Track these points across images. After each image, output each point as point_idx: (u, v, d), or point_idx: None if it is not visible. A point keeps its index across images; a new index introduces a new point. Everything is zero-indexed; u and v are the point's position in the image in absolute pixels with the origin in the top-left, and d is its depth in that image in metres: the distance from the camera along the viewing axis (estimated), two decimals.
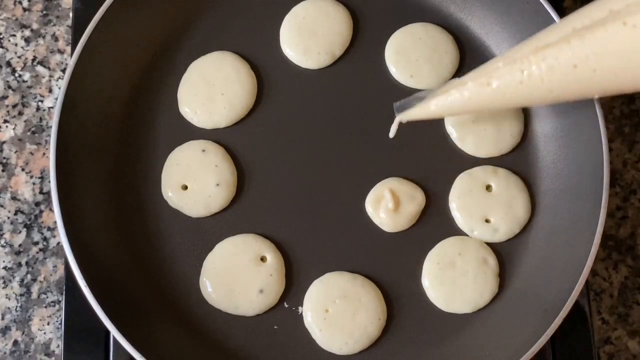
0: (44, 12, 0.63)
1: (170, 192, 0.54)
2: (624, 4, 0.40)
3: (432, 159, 0.55)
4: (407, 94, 0.56)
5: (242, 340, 0.52)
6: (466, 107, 0.47)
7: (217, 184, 0.54)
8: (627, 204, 0.60)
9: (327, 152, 0.55)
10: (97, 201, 0.53)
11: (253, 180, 0.55)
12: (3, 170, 0.59)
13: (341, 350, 0.51)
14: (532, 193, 0.55)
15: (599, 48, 0.40)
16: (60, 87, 0.58)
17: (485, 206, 0.54)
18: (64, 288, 0.55)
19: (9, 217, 0.59)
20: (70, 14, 0.61)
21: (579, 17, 0.42)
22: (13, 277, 0.58)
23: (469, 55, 0.57)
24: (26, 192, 0.59)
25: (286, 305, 0.53)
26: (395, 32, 0.57)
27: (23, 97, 0.61)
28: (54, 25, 0.62)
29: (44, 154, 0.60)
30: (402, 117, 0.50)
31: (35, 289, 0.57)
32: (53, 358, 0.56)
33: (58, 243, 0.58)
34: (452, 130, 0.56)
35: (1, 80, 0.61)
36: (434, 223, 0.54)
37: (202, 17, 0.57)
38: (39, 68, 0.62)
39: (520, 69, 0.44)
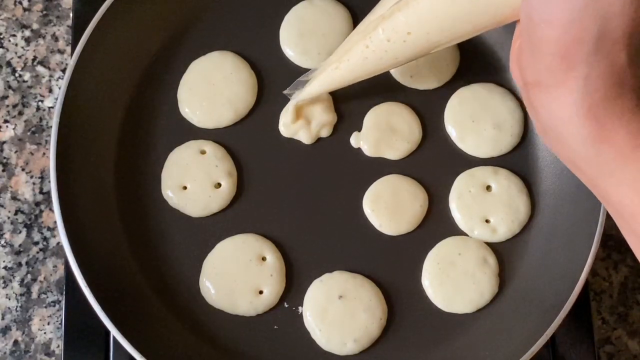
0: (44, 12, 0.63)
1: (170, 192, 0.54)
2: None
3: (432, 159, 0.55)
4: (409, 94, 0.56)
5: (242, 340, 0.52)
6: (343, 81, 0.51)
7: (217, 184, 0.54)
8: None
9: (327, 151, 0.55)
10: (97, 201, 0.53)
11: (253, 180, 0.55)
12: (3, 170, 0.59)
13: (341, 350, 0.51)
14: (532, 193, 0.55)
15: (423, 12, 0.43)
16: (60, 87, 0.58)
17: (485, 206, 0.54)
18: (64, 288, 0.55)
19: (9, 217, 0.59)
20: (70, 14, 0.61)
21: None
22: (13, 277, 0.58)
23: (469, 55, 0.57)
24: (26, 192, 0.59)
25: (286, 305, 0.53)
26: None
27: (23, 97, 0.61)
28: (54, 25, 0.62)
29: (44, 154, 0.60)
30: (296, 101, 0.53)
31: (35, 289, 0.57)
32: (53, 358, 0.56)
33: (58, 243, 0.58)
34: (452, 130, 0.56)
35: (1, 80, 0.61)
36: (434, 223, 0.54)
37: (202, 17, 0.57)
38: (39, 68, 0.62)
39: (365, 44, 0.47)
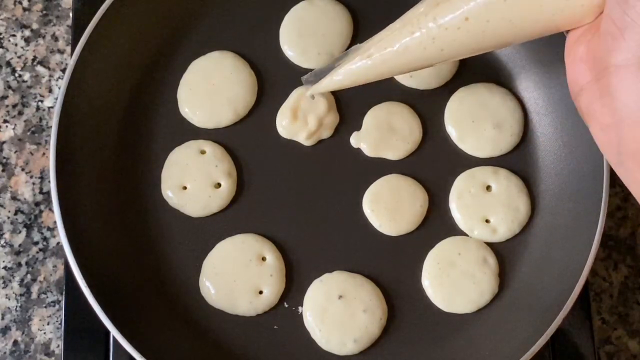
0: (44, 12, 0.63)
1: (170, 192, 0.54)
2: None
3: (432, 159, 0.55)
4: (409, 94, 0.56)
5: (242, 340, 0.52)
6: (371, 74, 0.45)
7: (217, 184, 0.54)
8: (627, 204, 0.60)
9: (327, 151, 0.55)
10: (97, 201, 0.53)
11: (253, 180, 0.55)
12: (3, 170, 0.59)
13: (341, 350, 0.51)
14: (532, 193, 0.55)
15: None
16: (60, 87, 0.58)
17: (485, 206, 0.54)
18: (64, 288, 0.55)
19: (9, 217, 0.59)
20: (70, 14, 0.61)
21: None
22: (13, 277, 0.58)
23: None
24: (26, 192, 0.59)
25: (286, 305, 0.53)
26: None
27: (23, 97, 0.61)
28: (54, 25, 0.62)
29: (44, 154, 0.60)
30: (312, 91, 0.48)
31: (35, 289, 0.57)
32: (53, 358, 0.56)
33: (58, 243, 0.58)
34: (452, 130, 0.56)
35: (1, 80, 0.61)
36: (434, 223, 0.54)
37: (202, 17, 0.57)
38: (39, 68, 0.62)
39: (410, 30, 0.42)
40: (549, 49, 0.51)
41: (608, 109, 0.36)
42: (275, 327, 0.52)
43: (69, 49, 0.62)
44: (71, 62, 0.52)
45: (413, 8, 0.42)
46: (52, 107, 0.61)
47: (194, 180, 0.54)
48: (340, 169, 0.55)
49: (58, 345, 0.57)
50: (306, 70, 0.56)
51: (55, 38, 0.62)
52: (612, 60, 0.35)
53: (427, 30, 0.41)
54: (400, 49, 0.42)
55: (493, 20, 0.39)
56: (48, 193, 0.59)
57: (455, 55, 0.42)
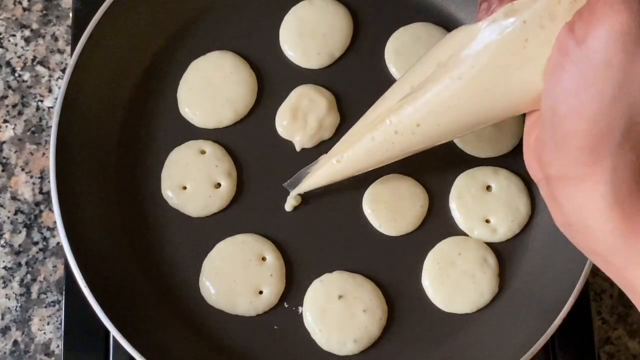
0: (44, 12, 0.63)
1: (170, 192, 0.54)
2: (447, 56, 0.41)
3: (432, 159, 0.55)
4: None
5: (242, 340, 0.52)
6: (347, 173, 0.49)
7: (217, 184, 0.54)
8: None
9: (327, 151, 0.55)
10: (97, 201, 0.53)
11: (253, 180, 0.55)
12: (3, 170, 0.59)
13: (341, 350, 0.51)
14: (532, 193, 0.55)
15: (435, 105, 0.42)
16: (60, 87, 0.58)
17: (485, 206, 0.54)
18: (64, 288, 0.55)
19: (9, 217, 0.59)
20: (70, 14, 0.61)
21: (414, 74, 0.43)
22: (13, 277, 0.58)
23: None
24: (26, 192, 0.59)
25: (286, 305, 0.53)
26: (395, 32, 0.57)
27: (23, 97, 0.61)
28: (54, 25, 0.62)
29: (44, 154, 0.60)
30: (296, 191, 0.52)
31: (35, 289, 0.57)
32: (53, 358, 0.56)
33: (58, 243, 0.58)
34: None
35: (1, 80, 0.61)
36: (434, 223, 0.54)
37: (202, 17, 0.57)
38: (39, 68, 0.62)
39: (370, 136, 0.46)
40: None
41: (558, 212, 0.36)
42: (275, 327, 0.52)
43: (69, 49, 0.62)
44: (71, 62, 0.52)
45: (373, 106, 0.46)
46: (52, 107, 0.61)
47: (194, 180, 0.54)
48: None
49: (58, 345, 0.57)
50: (306, 70, 0.56)
51: (55, 38, 0.62)
52: (552, 171, 0.35)
53: (386, 136, 0.45)
54: (364, 153, 0.47)
55: (443, 124, 0.42)
56: (48, 193, 0.59)
57: (418, 151, 0.46)
